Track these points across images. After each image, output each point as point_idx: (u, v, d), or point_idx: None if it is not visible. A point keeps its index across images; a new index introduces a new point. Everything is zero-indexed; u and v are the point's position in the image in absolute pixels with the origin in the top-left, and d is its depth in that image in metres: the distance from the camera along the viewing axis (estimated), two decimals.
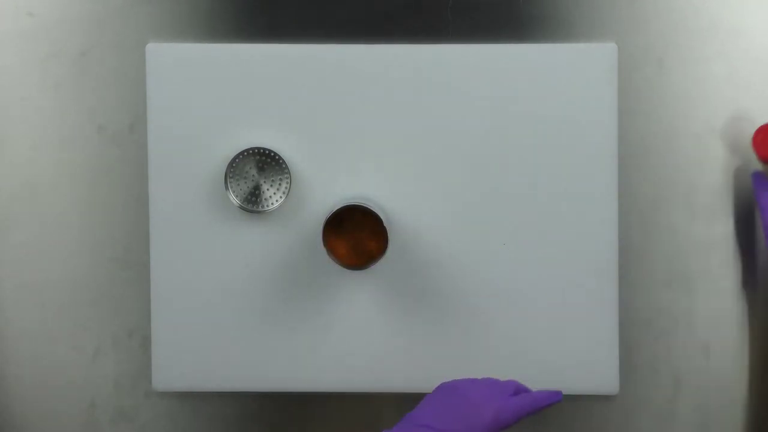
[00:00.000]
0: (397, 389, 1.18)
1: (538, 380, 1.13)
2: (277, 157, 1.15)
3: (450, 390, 1.03)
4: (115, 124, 1.20)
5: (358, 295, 1.16)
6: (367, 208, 1.10)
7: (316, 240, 1.14)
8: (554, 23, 1.18)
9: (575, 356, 1.17)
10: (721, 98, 1.18)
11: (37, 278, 1.21)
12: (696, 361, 1.19)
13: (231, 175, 1.15)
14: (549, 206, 1.17)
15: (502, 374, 1.12)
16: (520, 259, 1.17)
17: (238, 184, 1.16)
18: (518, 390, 1.06)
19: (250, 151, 1.15)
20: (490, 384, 1.04)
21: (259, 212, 1.16)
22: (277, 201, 1.16)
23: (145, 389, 1.21)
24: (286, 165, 1.15)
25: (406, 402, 1.20)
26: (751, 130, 1.17)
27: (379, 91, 1.17)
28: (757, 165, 1.18)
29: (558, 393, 1.06)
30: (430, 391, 1.04)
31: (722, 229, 1.18)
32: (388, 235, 1.10)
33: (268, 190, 1.16)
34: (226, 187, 1.15)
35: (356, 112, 1.17)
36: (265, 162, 1.15)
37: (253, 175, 1.16)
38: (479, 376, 1.07)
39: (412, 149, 1.17)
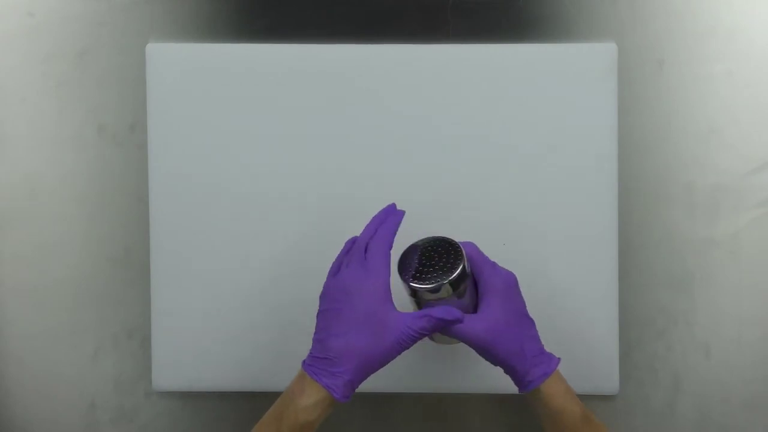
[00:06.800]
0: (398, 389, 1.18)
1: None
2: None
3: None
4: (115, 124, 1.20)
5: None
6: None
7: (316, 240, 1.14)
8: (554, 23, 1.18)
9: (575, 356, 1.17)
10: (721, 98, 1.18)
11: (37, 278, 1.21)
12: (696, 361, 1.19)
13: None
14: (549, 206, 1.17)
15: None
16: (520, 259, 1.17)
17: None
18: None
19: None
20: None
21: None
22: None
23: (145, 389, 1.21)
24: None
25: (407, 403, 1.20)
26: (751, 130, 1.17)
27: (379, 91, 1.17)
28: (757, 167, 1.18)
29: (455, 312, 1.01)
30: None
31: (722, 229, 1.18)
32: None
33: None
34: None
35: (355, 112, 1.17)
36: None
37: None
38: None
39: (412, 149, 1.17)
